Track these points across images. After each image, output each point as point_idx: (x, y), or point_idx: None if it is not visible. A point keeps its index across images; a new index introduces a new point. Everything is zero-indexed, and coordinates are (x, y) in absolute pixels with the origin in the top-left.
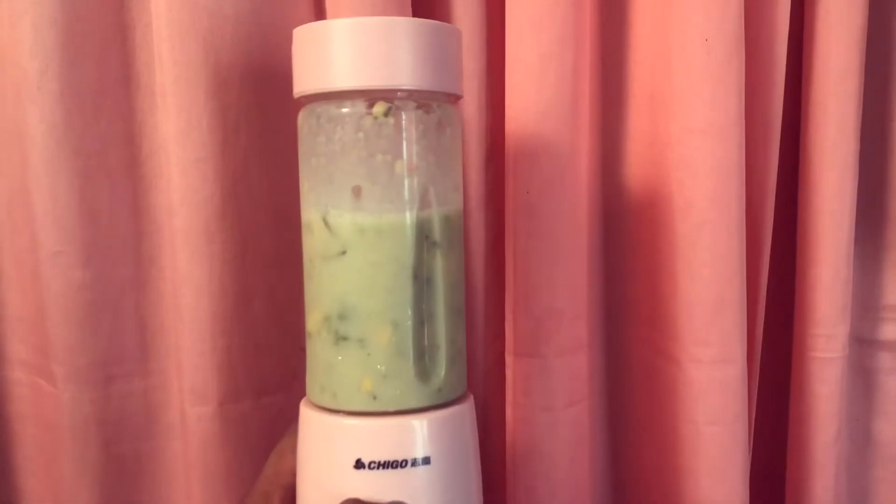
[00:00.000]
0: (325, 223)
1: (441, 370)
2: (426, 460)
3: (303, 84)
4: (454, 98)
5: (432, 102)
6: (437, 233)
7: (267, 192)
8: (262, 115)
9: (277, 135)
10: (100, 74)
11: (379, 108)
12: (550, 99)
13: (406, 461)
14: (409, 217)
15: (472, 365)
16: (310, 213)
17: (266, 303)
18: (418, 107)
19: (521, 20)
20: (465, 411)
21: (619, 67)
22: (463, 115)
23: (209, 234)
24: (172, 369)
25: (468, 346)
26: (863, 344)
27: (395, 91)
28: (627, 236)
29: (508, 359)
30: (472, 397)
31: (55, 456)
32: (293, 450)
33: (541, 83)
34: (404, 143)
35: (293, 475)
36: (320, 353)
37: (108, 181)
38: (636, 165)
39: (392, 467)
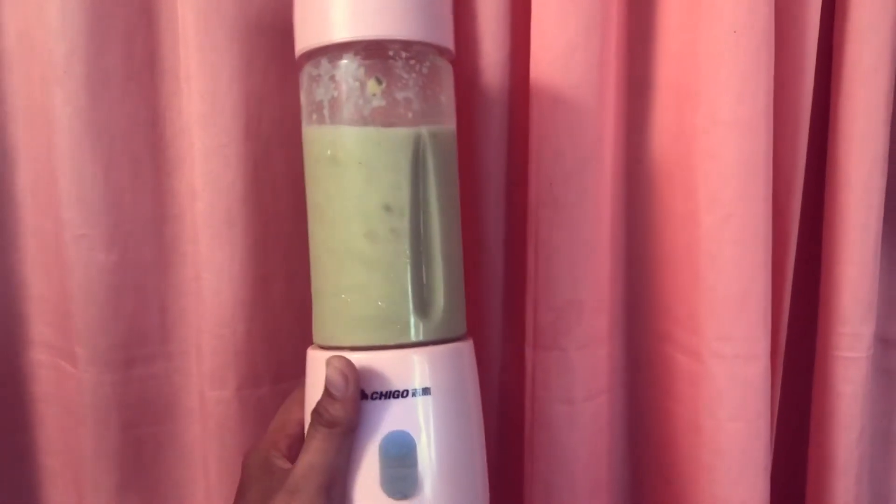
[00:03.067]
0: (331, 157)
1: (439, 306)
2: (426, 391)
3: (302, 41)
4: (446, 53)
5: (424, 53)
6: (431, 173)
7: (288, 178)
8: (283, 103)
9: (299, 122)
10: (125, 58)
11: (373, 85)
12: (575, 88)
13: (406, 391)
14: (403, 157)
15: (491, 357)
16: (313, 156)
17: (286, 288)
18: (409, 57)
19: (548, 8)
20: (463, 349)
21: (646, 57)
22: (468, 72)
23: (231, 219)
24: (192, 353)
25: (486, 337)
26: (888, 344)
27: (388, 42)
28: (650, 228)
29: (528, 351)
30: (471, 340)
31: (75, 437)
32: (301, 402)
33: (566, 72)
34: (398, 91)
35: (300, 426)
36: (324, 294)
37: (131, 165)
38: (661, 157)
39: (393, 397)
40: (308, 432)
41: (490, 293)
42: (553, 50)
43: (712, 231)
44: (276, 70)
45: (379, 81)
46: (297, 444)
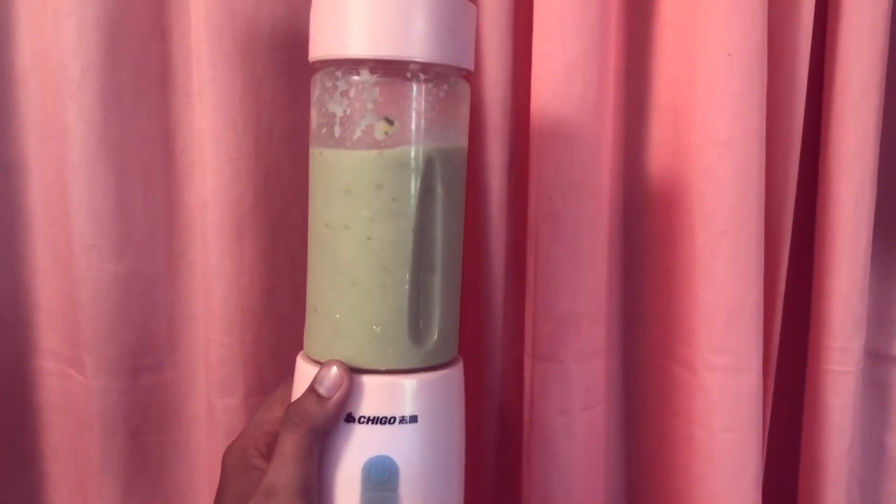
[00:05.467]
0: (336, 179)
1: (434, 333)
2: (413, 419)
3: (318, 49)
4: (465, 72)
5: (443, 75)
6: (439, 198)
7: (297, 191)
8: (293, 117)
9: (308, 137)
10: (138, 74)
11: (384, 125)
12: (574, 107)
13: (394, 418)
14: (413, 183)
15: (491, 367)
16: (318, 176)
17: (293, 298)
18: (427, 79)
19: (549, 30)
20: (454, 375)
21: (643, 78)
22: (470, 91)
23: (240, 231)
24: (199, 362)
25: (487, 347)
26: (878, 358)
27: (406, 62)
28: (647, 243)
29: (527, 362)
30: (461, 362)
31: (82, 444)
32: (283, 400)
33: (565, 92)
34: (413, 114)
35: (279, 424)
36: (320, 311)
37: (142, 177)
38: (657, 174)
39: (381, 423)
40: (282, 433)
41: (491, 305)
42: (553, 71)
43: (706, 246)
44: (287, 86)
45: (390, 122)
46: (275, 443)
